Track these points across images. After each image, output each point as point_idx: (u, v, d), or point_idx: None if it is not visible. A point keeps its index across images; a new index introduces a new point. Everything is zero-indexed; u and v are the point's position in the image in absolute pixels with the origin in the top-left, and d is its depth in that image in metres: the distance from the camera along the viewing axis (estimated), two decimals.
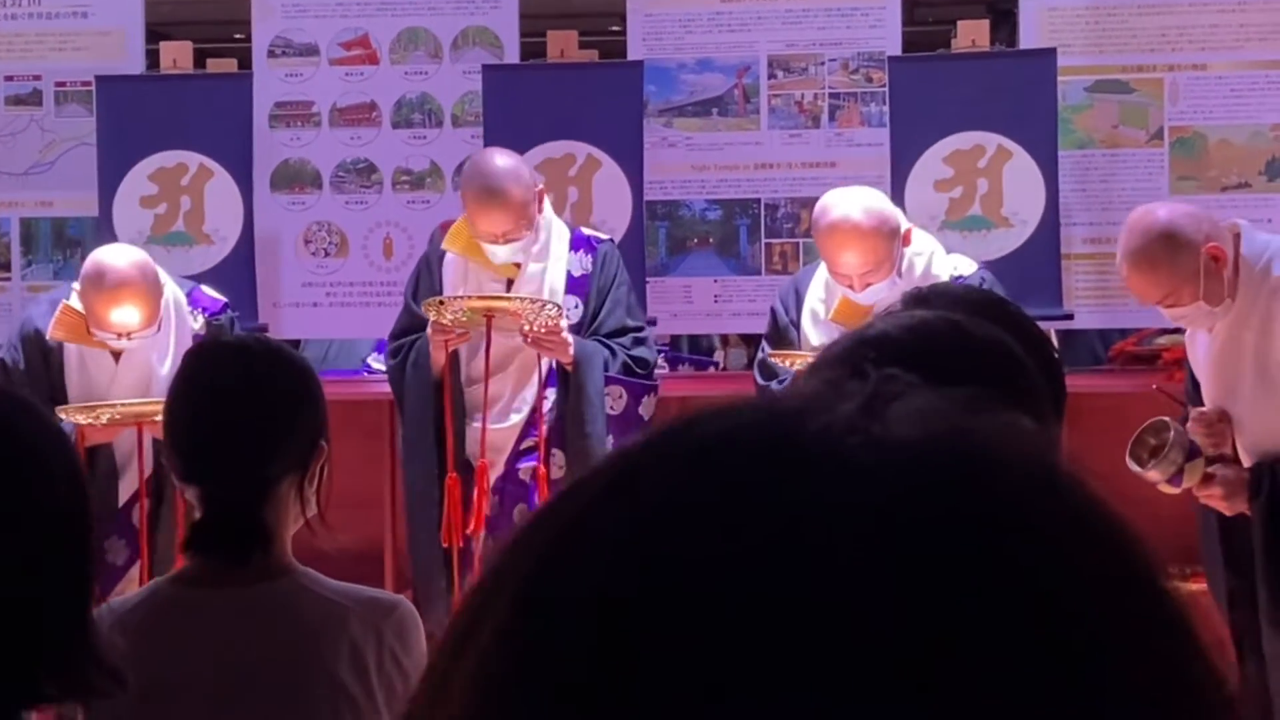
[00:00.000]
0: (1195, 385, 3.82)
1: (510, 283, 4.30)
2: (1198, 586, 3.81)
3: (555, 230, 4.37)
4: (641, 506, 0.51)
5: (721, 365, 6.08)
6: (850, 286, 4.05)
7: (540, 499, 4.16)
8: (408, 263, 5.23)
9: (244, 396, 2.14)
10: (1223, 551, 3.71)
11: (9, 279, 5.43)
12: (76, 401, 4.10)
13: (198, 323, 4.27)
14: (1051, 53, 5.04)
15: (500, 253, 4.25)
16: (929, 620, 0.47)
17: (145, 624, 2.06)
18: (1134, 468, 3.49)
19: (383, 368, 4.75)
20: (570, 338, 4.19)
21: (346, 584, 2.16)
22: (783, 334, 4.26)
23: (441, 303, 4.15)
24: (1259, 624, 3.59)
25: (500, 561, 0.53)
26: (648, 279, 5.02)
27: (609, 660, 0.48)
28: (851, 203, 4.04)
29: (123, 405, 4.01)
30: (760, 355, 4.35)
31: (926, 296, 1.66)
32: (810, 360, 3.81)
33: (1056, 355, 1.76)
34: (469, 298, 4.17)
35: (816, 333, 4.15)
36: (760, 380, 4.27)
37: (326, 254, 5.37)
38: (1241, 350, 3.63)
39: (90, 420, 3.99)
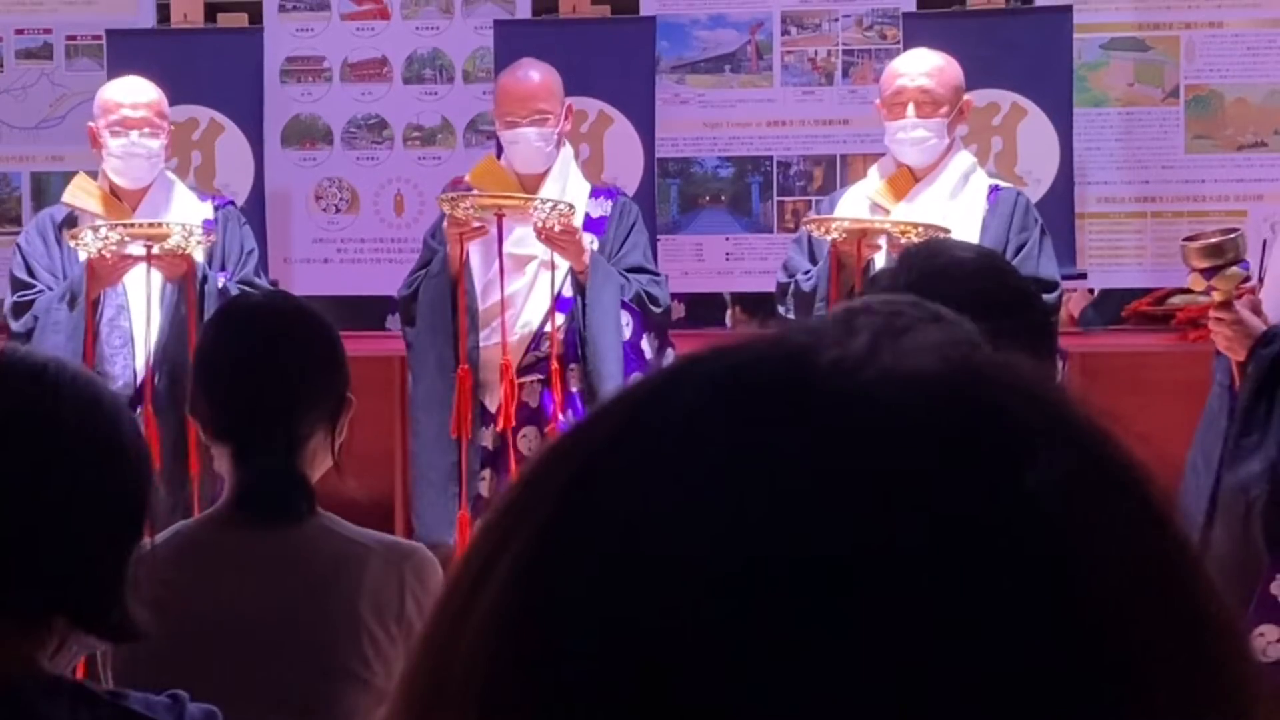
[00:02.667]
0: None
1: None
2: None
3: (574, 174, 4.46)
4: (653, 453, 0.50)
5: (731, 325, 6.06)
6: (901, 108, 4.19)
7: (550, 418, 4.20)
8: (419, 219, 5.22)
9: (277, 356, 2.17)
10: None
11: (20, 232, 5.42)
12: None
13: (206, 206, 4.42)
14: (1067, 10, 5.01)
15: (528, 136, 4.31)
16: (957, 569, 0.46)
17: (171, 565, 2.07)
18: (1183, 244, 3.67)
19: None
20: (586, 240, 4.24)
21: (366, 529, 2.19)
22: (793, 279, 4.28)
23: (454, 198, 4.22)
24: None
25: (516, 498, 0.52)
26: (659, 237, 5.01)
27: (623, 612, 0.47)
28: None
29: (134, 225, 4.07)
30: (787, 255, 4.40)
31: (924, 269, 1.66)
32: (848, 227, 3.95)
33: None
34: (480, 194, 4.22)
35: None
36: (784, 278, 4.30)
37: (337, 210, 5.36)
38: None
39: (100, 244, 4.01)
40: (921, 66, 4.28)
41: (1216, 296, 3.68)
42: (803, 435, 0.48)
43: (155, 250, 4.05)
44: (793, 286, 4.25)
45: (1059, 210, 4.90)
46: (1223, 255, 3.66)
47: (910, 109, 4.21)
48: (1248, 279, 3.76)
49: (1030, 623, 0.47)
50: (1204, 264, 3.66)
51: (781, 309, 4.30)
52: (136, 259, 4.06)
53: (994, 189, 4.29)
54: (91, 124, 4.37)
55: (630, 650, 0.47)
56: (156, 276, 4.10)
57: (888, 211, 4.23)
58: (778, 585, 0.46)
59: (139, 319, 4.17)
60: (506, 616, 0.49)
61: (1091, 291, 5.37)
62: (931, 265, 1.72)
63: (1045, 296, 4.03)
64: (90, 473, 1.46)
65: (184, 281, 4.13)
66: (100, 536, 1.46)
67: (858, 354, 0.51)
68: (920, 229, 3.94)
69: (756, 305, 5.38)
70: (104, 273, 4.08)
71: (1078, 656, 0.47)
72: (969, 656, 0.46)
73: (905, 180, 4.27)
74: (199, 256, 4.16)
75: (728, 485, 0.48)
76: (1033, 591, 0.47)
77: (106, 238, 4.02)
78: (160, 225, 4.09)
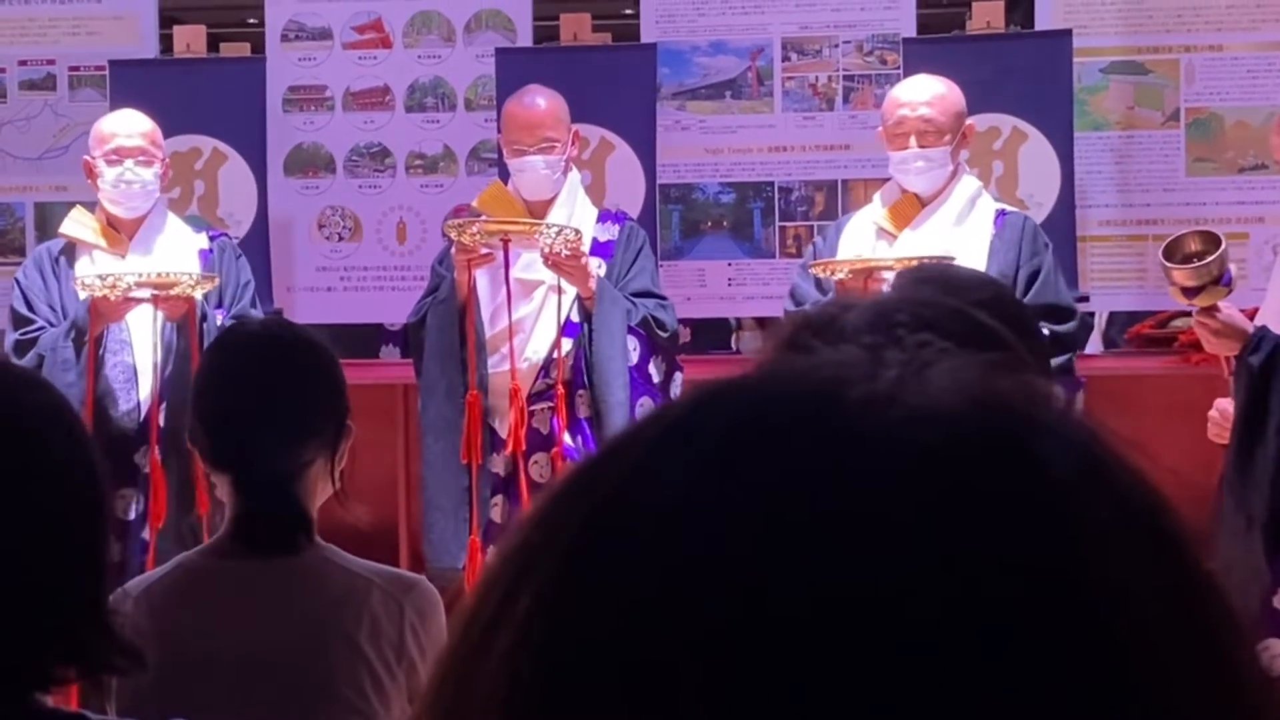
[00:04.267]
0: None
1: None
2: None
3: (581, 200, 4.48)
4: (678, 493, 0.49)
5: (735, 349, 6.07)
6: (904, 139, 4.17)
7: (558, 446, 4.20)
8: (421, 247, 5.23)
9: (277, 383, 2.15)
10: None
11: (22, 263, 5.44)
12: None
13: (201, 238, 4.46)
14: (1067, 34, 5.02)
15: (535, 164, 4.33)
16: (984, 604, 0.47)
17: (173, 598, 2.07)
18: (1164, 263, 3.68)
19: None
20: (592, 265, 4.25)
21: (368, 561, 2.18)
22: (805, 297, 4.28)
23: (461, 224, 4.23)
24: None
25: (529, 537, 0.52)
26: (662, 262, 5.02)
27: (640, 654, 0.47)
28: None
29: (143, 275, 4.07)
30: (793, 283, 4.37)
31: (930, 278, 1.67)
32: (853, 268, 3.94)
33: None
34: (487, 220, 4.22)
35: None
36: (791, 306, 4.29)
37: (340, 238, 5.37)
38: None
39: (105, 291, 4.03)
40: (922, 95, 4.26)
41: (1199, 303, 3.72)
42: (826, 479, 0.48)
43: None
44: None
45: (1060, 233, 4.90)
46: (1209, 275, 3.67)
47: (912, 139, 4.20)
48: (1230, 292, 3.77)
49: (1060, 672, 0.46)
50: (1190, 284, 3.68)
51: None
52: (140, 300, 4.08)
53: (1000, 214, 4.26)
54: (87, 157, 4.39)
55: (649, 690, 0.47)
56: (159, 312, 4.12)
57: (894, 237, 4.23)
58: (799, 629, 0.46)
59: (142, 355, 4.19)
60: (524, 658, 0.49)
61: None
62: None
63: (1062, 326, 4.02)
64: (20, 491, 1.39)
65: (185, 320, 4.15)
66: (54, 561, 1.40)
67: (885, 392, 0.51)
68: (927, 262, 3.93)
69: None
70: (107, 311, 4.09)
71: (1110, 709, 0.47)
72: (998, 706, 0.46)
73: (911, 206, 4.26)
74: (199, 295, 4.17)
75: (750, 528, 0.48)
76: (1065, 639, 0.47)
77: (114, 285, 4.03)
78: (168, 275, 4.10)
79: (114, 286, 4.03)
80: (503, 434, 4.28)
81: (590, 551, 0.50)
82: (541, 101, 4.43)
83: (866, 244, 4.24)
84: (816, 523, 0.47)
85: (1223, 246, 3.75)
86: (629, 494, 0.50)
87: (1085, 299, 5.02)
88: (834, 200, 5.18)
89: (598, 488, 0.51)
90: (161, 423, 4.11)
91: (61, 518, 1.42)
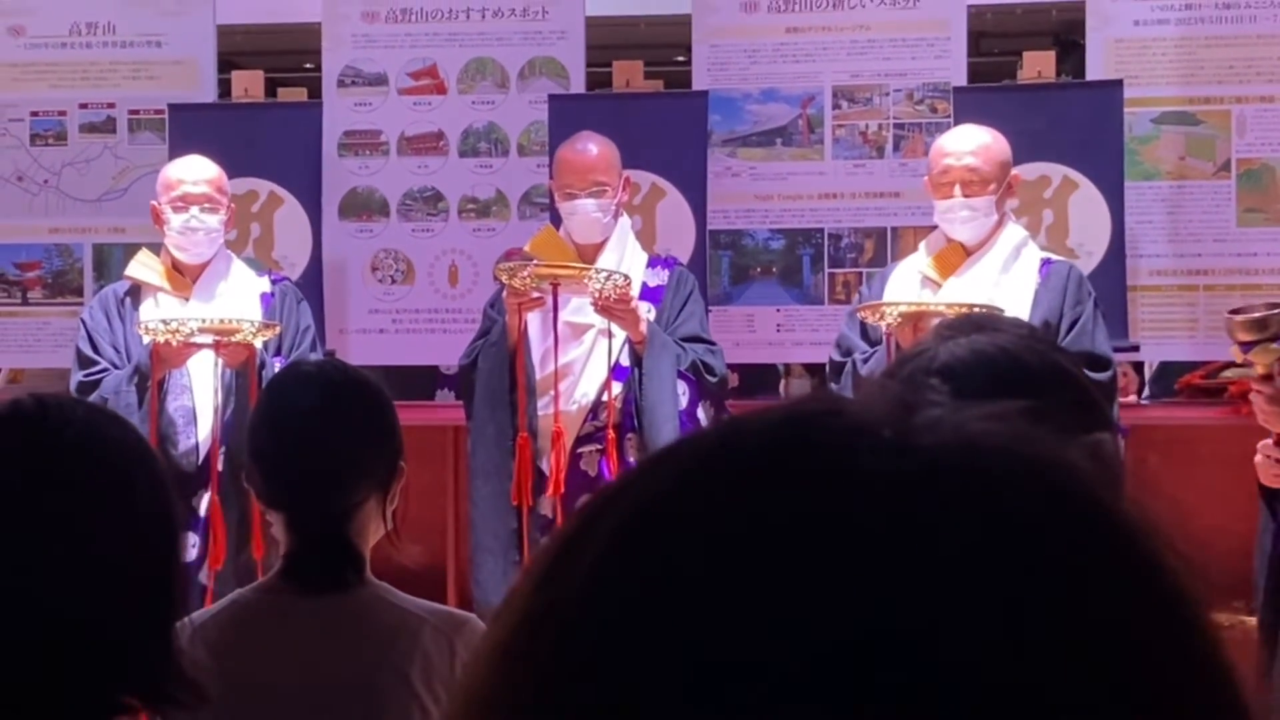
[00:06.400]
0: None
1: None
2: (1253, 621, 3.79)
3: (631, 244, 4.52)
4: (698, 524, 0.51)
5: (784, 395, 6.08)
6: (949, 188, 4.17)
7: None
8: (473, 290, 5.27)
9: (329, 424, 2.18)
10: (1271, 585, 3.68)
11: (80, 304, 5.51)
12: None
13: (264, 281, 4.52)
14: (1118, 84, 5.02)
15: (586, 208, 4.37)
16: (956, 649, 0.48)
17: (229, 633, 2.09)
18: (1228, 317, 3.66)
19: None
20: (642, 310, 4.27)
21: (419, 599, 2.20)
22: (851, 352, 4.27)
23: (512, 268, 4.26)
24: None
25: (560, 554, 0.54)
26: (711, 308, 5.03)
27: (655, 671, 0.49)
28: None
29: (205, 321, 4.13)
30: (839, 332, 4.38)
31: (981, 323, 1.67)
32: (903, 311, 3.92)
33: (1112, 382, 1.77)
34: (537, 264, 4.25)
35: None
36: (837, 356, 4.31)
37: (393, 281, 5.42)
38: None
39: (167, 336, 4.07)
40: (967, 145, 4.28)
41: (1257, 369, 3.68)
42: (843, 523, 0.50)
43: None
44: (849, 367, 4.23)
45: (1111, 283, 4.90)
46: (1265, 329, 3.66)
47: (957, 189, 4.21)
48: None
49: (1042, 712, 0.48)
50: (1246, 337, 3.66)
51: (834, 386, 4.30)
52: (202, 346, 4.13)
53: (1046, 262, 4.26)
54: (154, 202, 4.45)
55: (675, 706, 0.48)
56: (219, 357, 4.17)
57: (939, 285, 4.23)
58: (812, 664, 0.48)
59: (202, 397, 4.23)
60: (556, 669, 0.51)
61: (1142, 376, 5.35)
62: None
63: (1098, 375, 4.00)
64: (103, 522, 1.43)
65: (245, 367, 4.20)
66: (128, 592, 1.43)
67: (908, 442, 0.52)
68: (976, 310, 3.91)
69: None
70: (169, 356, 4.15)
71: None
72: None
73: (956, 255, 4.26)
74: (259, 343, 4.22)
75: (768, 565, 0.49)
76: (1045, 689, 0.48)
77: (176, 330, 4.09)
78: (229, 322, 4.15)
79: (176, 332, 4.08)
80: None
81: (619, 572, 0.51)
82: (593, 147, 4.48)
83: (912, 292, 4.23)
84: (829, 566, 0.49)
85: None
86: (651, 528, 0.52)
87: (1136, 348, 5.01)
88: (883, 247, 5.20)
89: (625, 506, 0.53)
90: (220, 466, 4.15)
91: (138, 550, 1.45)
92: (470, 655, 2.10)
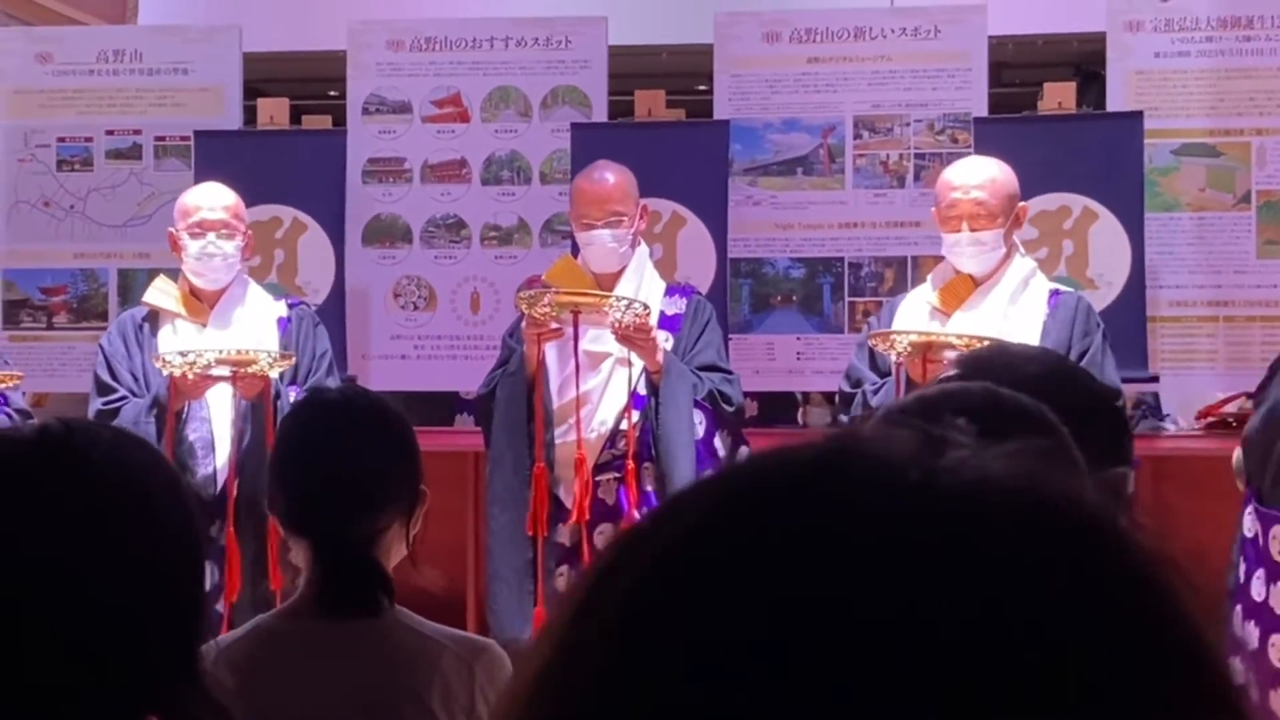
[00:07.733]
0: None
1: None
2: None
3: (649, 273, 4.52)
4: (718, 565, 0.52)
5: (802, 423, 6.09)
6: (957, 221, 4.16)
7: (627, 517, 4.22)
8: (494, 317, 5.30)
9: (354, 450, 2.19)
10: None
11: (105, 329, 5.55)
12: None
13: (280, 305, 4.54)
14: (1138, 116, 5.04)
15: (602, 238, 4.38)
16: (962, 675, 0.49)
17: (252, 658, 2.11)
18: None
19: None
20: (660, 338, 4.28)
21: (439, 625, 2.21)
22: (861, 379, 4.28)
23: (532, 297, 4.27)
24: None
25: (586, 598, 0.55)
26: (731, 336, 5.05)
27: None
28: None
29: (222, 352, 4.14)
30: (849, 363, 4.37)
31: (990, 365, 1.69)
32: (914, 340, 3.91)
33: (1125, 414, 1.79)
34: (557, 292, 4.26)
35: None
36: (846, 386, 4.31)
37: (415, 307, 5.45)
38: None
39: (184, 368, 4.09)
40: (974, 179, 4.25)
41: None
42: (866, 564, 0.51)
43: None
44: (859, 398, 4.22)
45: (1131, 314, 4.90)
46: None
47: (965, 223, 4.18)
48: None
49: None
50: None
51: (844, 418, 4.30)
52: (219, 379, 4.15)
53: (1054, 293, 4.24)
54: (171, 229, 4.48)
55: None
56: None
57: (947, 317, 4.22)
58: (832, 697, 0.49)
59: (220, 425, 4.26)
60: (599, 699, 0.52)
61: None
62: (994, 378, 1.73)
63: None
64: (129, 541, 1.43)
65: (260, 399, 4.22)
66: (153, 613, 1.43)
67: (934, 483, 0.54)
68: (987, 343, 3.91)
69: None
70: (186, 389, 4.17)
71: None
72: None
73: (965, 286, 4.24)
74: (274, 374, 4.24)
75: (802, 601, 0.51)
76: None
77: (193, 362, 4.11)
78: (246, 353, 4.17)
79: (192, 365, 4.11)
80: (568, 504, 4.30)
81: (657, 604, 0.53)
82: (610, 177, 4.48)
83: (920, 324, 4.21)
84: (844, 609, 0.50)
85: None
86: (693, 554, 0.53)
87: (1155, 379, 5.01)
88: (903, 276, 5.21)
89: (647, 552, 0.54)
90: (238, 494, 4.16)
91: (163, 572, 1.46)
92: (506, 686, 2.12)
